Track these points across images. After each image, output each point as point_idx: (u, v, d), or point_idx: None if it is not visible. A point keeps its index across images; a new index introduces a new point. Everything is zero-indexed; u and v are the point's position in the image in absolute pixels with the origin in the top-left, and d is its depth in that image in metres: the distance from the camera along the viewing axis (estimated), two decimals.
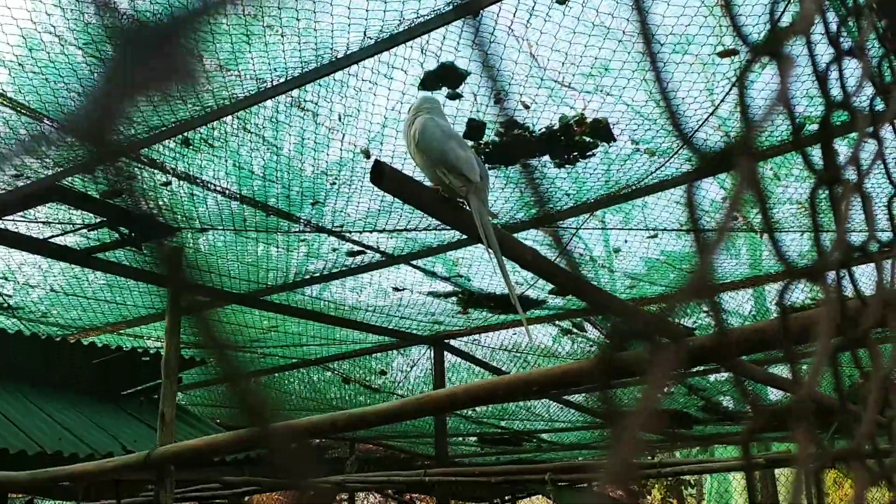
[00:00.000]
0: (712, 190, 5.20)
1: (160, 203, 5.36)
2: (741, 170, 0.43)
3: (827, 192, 0.61)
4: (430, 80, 4.12)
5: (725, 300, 7.07)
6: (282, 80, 4.11)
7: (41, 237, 5.80)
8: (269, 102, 4.34)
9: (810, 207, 0.57)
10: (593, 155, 4.84)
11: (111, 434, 6.00)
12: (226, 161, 4.91)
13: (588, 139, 4.68)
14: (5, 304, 7.26)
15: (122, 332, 8.07)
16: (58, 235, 5.79)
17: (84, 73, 3.97)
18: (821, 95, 0.61)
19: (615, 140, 4.67)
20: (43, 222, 5.60)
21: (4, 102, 4.17)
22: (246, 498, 8.26)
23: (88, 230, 5.71)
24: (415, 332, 8.38)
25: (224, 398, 10.37)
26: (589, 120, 4.53)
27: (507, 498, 13.61)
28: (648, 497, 16.29)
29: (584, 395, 9.26)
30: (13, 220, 5.52)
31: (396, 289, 7.11)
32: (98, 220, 5.54)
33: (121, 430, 6.18)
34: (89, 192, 5.19)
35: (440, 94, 4.21)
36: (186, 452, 3.89)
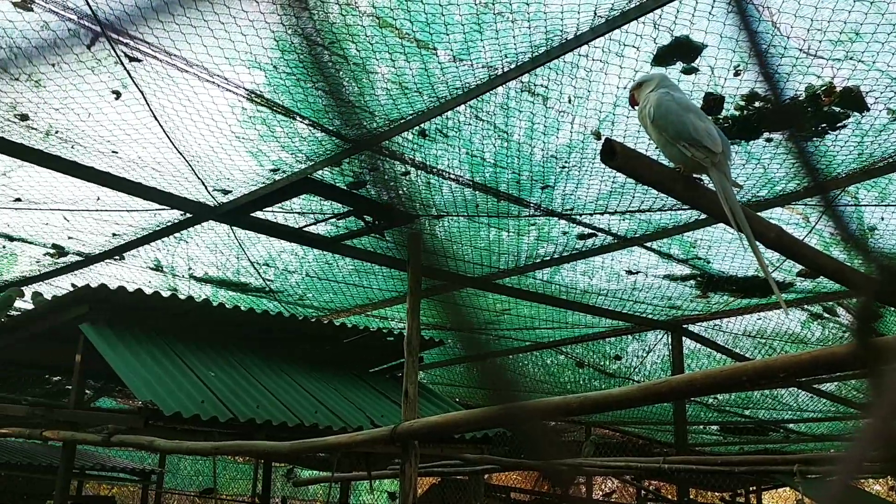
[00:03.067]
0: None
1: (401, 191, 5.65)
2: None
3: None
4: (664, 56, 3.97)
5: None
6: (512, 66, 4.15)
7: (297, 226, 6.33)
8: (500, 89, 4.40)
9: None
10: (844, 126, 4.45)
11: (360, 408, 6.42)
12: (459, 149, 5.06)
13: (838, 109, 4.30)
14: (268, 289, 8.00)
15: (368, 313, 8.61)
16: (311, 224, 6.28)
17: (330, 72, 4.26)
18: None
19: (868, 109, 4.25)
20: (298, 213, 6.10)
21: (262, 102, 4.57)
22: (485, 476, 8.51)
23: (338, 219, 6.14)
24: (650, 316, 8.17)
25: (464, 376, 10.75)
26: (838, 89, 4.16)
27: (751, 489, 12.93)
28: None
29: (837, 383, 8.56)
30: (273, 211, 6.06)
31: (630, 272, 6.96)
32: (346, 209, 5.94)
33: (369, 405, 6.60)
34: (338, 184, 5.58)
35: (674, 69, 4.05)
36: (428, 428, 4.07)
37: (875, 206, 5.39)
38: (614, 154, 2.14)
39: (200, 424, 5.26)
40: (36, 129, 4.83)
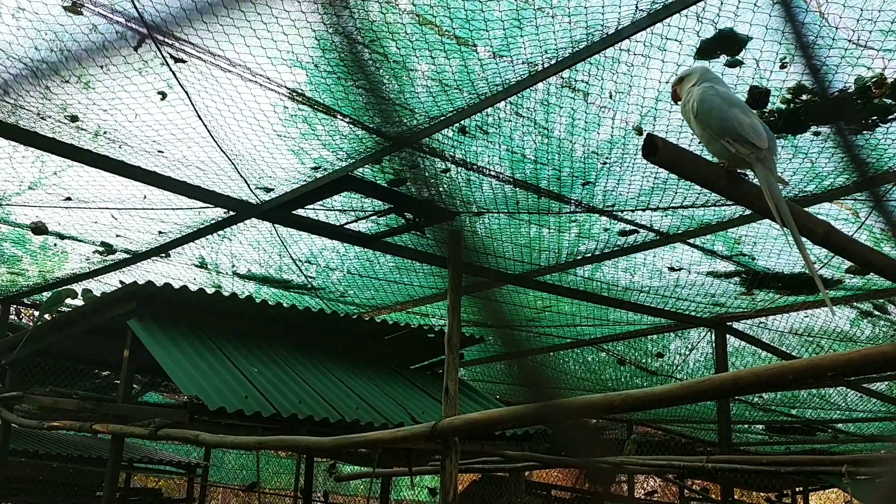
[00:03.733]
0: None
1: (441, 189, 5.66)
2: None
3: None
4: (708, 49, 3.92)
5: None
6: (552, 61, 4.13)
7: (338, 224, 6.38)
8: (540, 85, 4.38)
9: None
10: (895, 119, 4.35)
11: (401, 405, 6.44)
12: (499, 146, 5.05)
13: (889, 101, 4.20)
14: (310, 286, 8.08)
15: (409, 310, 8.64)
16: (352, 222, 6.32)
17: (370, 70, 4.28)
18: None
19: None
20: (339, 210, 6.15)
21: (303, 101, 4.61)
22: (526, 473, 8.50)
23: (378, 216, 6.17)
24: (693, 314, 8.08)
25: (505, 374, 10.74)
26: (890, 81, 4.06)
27: (797, 490, 12.72)
28: None
29: (887, 382, 8.38)
30: (314, 209, 6.12)
31: (672, 269, 6.89)
32: (386, 206, 5.97)
33: (410, 401, 6.62)
34: (378, 181, 5.61)
35: (718, 62, 4.00)
36: (469, 425, 4.07)
37: None
38: (656, 149, 2.12)
39: (244, 419, 5.33)
40: (85, 129, 4.94)
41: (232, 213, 6.20)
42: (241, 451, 13.49)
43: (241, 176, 5.56)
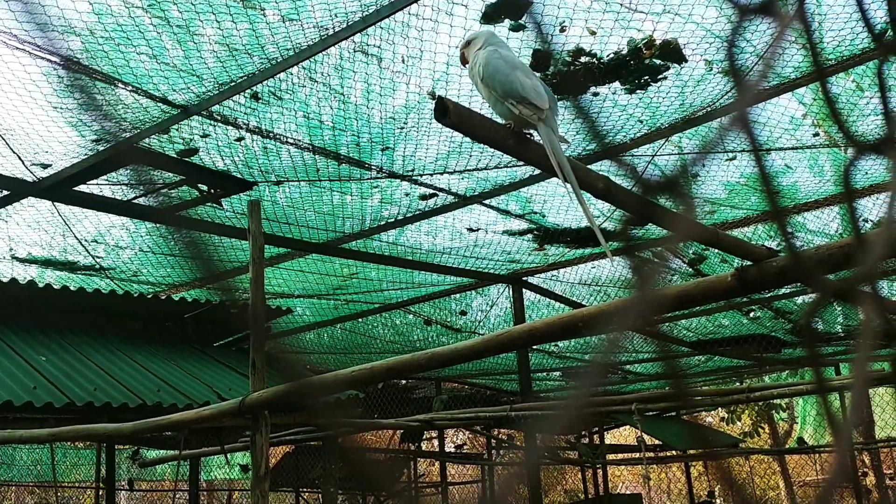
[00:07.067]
0: (791, 107, 5.00)
1: (235, 159, 5.48)
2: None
3: None
4: (492, 14, 4.05)
5: (809, 220, 6.85)
6: (343, 25, 4.10)
7: (126, 199, 6.01)
8: (333, 50, 4.34)
9: (879, 83, 0.54)
10: (665, 78, 4.70)
11: (206, 384, 6.26)
12: (295, 113, 4.96)
13: (658, 62, 4.54)
14: (98, 266, 7.59)
15: (210, 286, 8.35)
16: (141, 196, 5.99)
17: (151, 36, 4.04)
18: None
19: (686, 61, 4.51)
20: (126, 184, 5.80)
21: (79, 69, 4.29)
22: (339, 439, 8.55)
23: (170, 189, 5.88)
24: (492, 271, 8.41)
25: (314, 343, 10.68)
26: (658, 42, 4.39)
27: (594, 430, 13.73)
28: (739, 423, 16.20)
29: (666, 325, 9.18)
30: (98, 184, 5.73)
31: (471, 229, 7.12)
32: (178, 178, 5.70)
33: (215, 379, 6.44)
34: (167, 152, 5.34)
35: (503, 27, 4.14)
36: (278, 398, 4.03)
37: (697, 153, 5.75)
38: (447, 112, 2.17)
39: (34, 412, 5.01)
40: None
41: (5, 192, 5.69)
42: (34, 445, 12.57)
43: (14, 152, 5.10)
